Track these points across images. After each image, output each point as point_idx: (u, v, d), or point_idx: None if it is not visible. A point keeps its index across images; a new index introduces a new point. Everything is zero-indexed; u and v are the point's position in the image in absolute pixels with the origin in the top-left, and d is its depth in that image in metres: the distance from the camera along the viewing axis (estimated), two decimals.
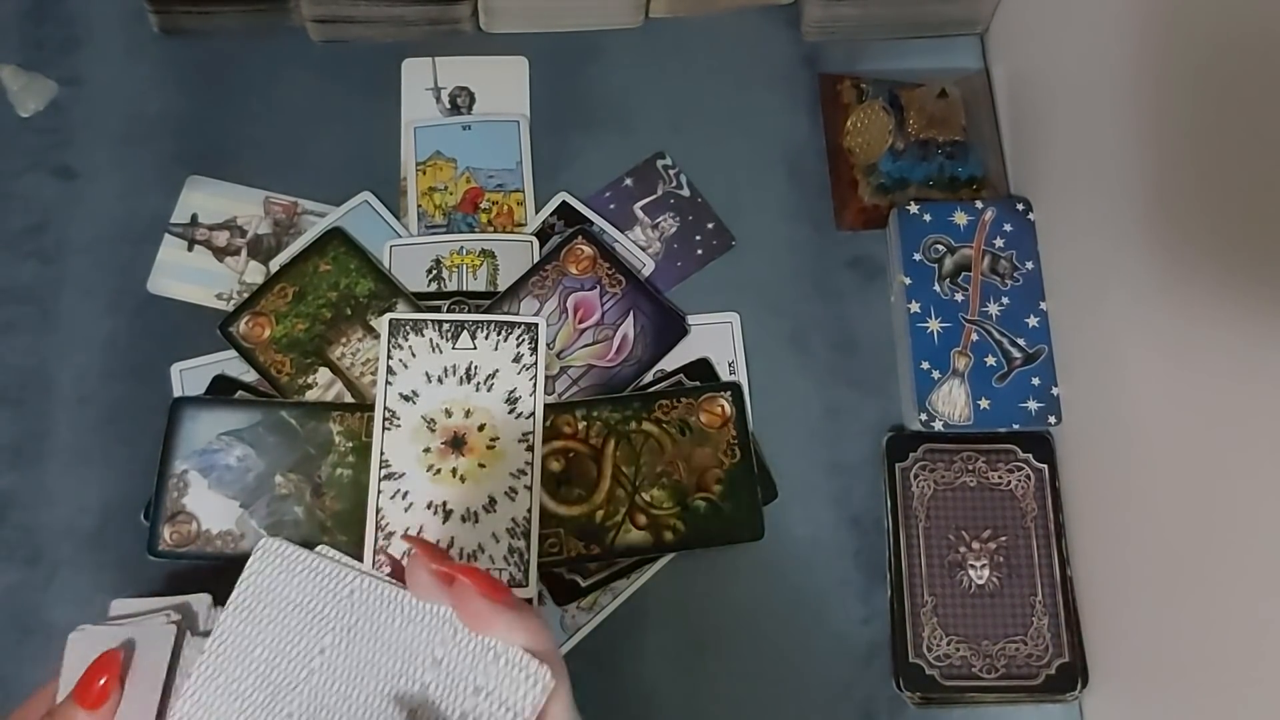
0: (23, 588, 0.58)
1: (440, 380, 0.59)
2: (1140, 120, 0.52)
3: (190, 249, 0.64)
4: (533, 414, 0.59)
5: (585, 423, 0.60)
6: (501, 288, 0.63)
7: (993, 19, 0.70)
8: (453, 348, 0.60)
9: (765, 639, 0.59)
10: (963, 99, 0.68)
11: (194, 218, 0.65)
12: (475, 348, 0.60)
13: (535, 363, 0.60)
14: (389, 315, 0.60)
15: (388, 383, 0.59)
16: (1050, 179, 0.63)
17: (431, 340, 0.60)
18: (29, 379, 0.62)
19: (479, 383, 0.59)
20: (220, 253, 0.64)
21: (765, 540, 0.58)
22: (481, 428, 0.59)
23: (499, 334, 0.60)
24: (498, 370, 0.60)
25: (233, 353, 0.61)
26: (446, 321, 0.60)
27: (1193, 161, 0.48)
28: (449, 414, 0.59)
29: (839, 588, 0.60)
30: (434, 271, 0.64)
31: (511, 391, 0.59)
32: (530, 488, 0.58)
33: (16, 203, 0.65)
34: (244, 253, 0.64)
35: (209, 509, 0.57)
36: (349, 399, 0.60)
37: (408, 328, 0.60)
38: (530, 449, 0.58)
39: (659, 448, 0.60)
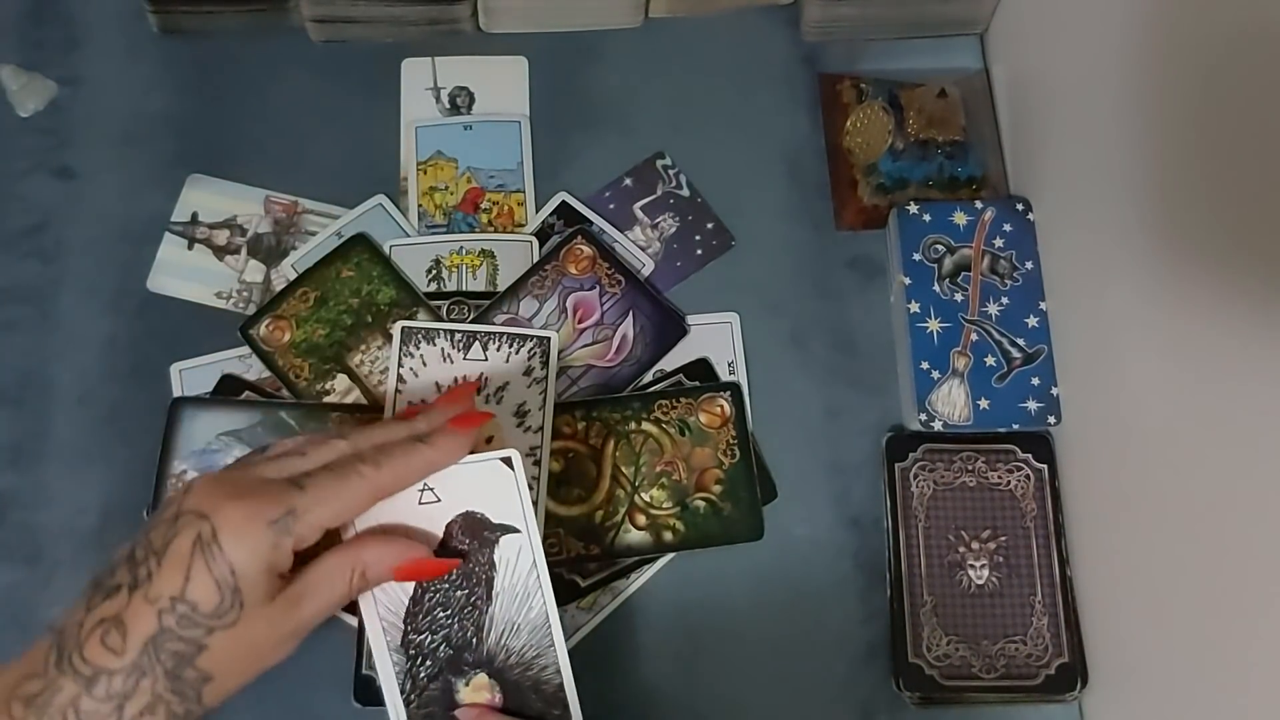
0: (23, 587, 0.58)
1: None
2: (1140, 120, 0.52)
3: (190, 247, 0.64)
4: (541, 428, 0.59)
5: (585, 423, 0.60)
6: (501, 288, 0.63)
7: (992, 19, 0.70)
8: (464, 358, 0.60)
9: (765, 639, 0.59)
10: (962, 99, 0.68)
11: (194, 216, 0.65)
12: (487, 359, 0.60)
13: (546, 376, 0.59)
14: (400, 322, 0.60)
15: (397, 390, 0.59)
16: (1050, 179, 0.63)
17: (443, 350, 0.60)
18: (29, 379, 0.62)
19: (489, 394, 0.59)
20: (220, 251, 0.65)
21: (765, 540, 0.58)
22: (489, 440, 0.58)
23: (511, 346, 0.60)
24: (508, 383, 0.59)
25: (232, 352, 0.61)
26: (459, 331, 0.60)
27: (1193, 161, 0.48)
28: None
29: (839, 588, 0.60)
30: (434, 271, 0.64)
31: (521, 405, 0.59)
32: (536, 501, 0.57)
33: (16, 203, 0.65)
34: (244, 251, 0.64)
35: None
36: None
37: (419, 336, 0.60)
38: (538, 463, 0.58)
39: (658, 448, 0.59)
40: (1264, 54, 0.42)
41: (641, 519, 0.58)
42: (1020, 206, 0.64)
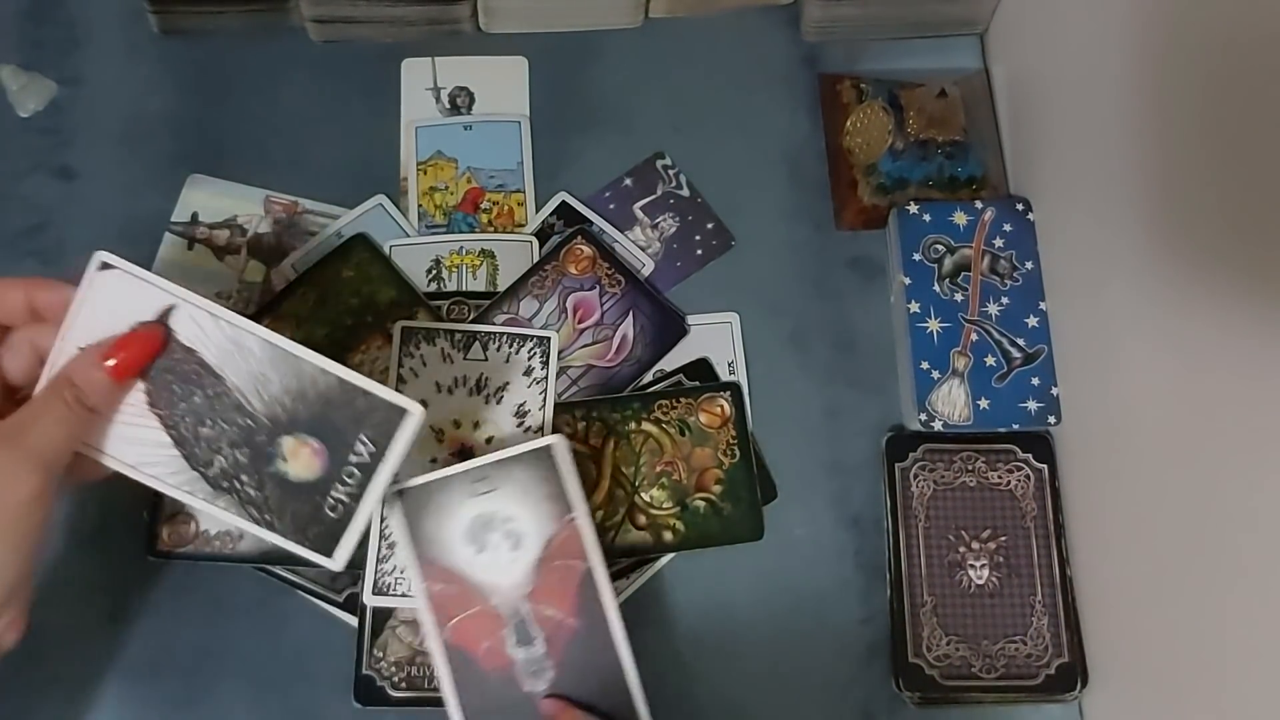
0: None
1: (450, 391, 0.59)
2: (1140, 120, 0.52)
3: (190, 247, 0.64)
4: (540, 428, 0.59)
5: (585, 423, 0.60)
6: (501, 288, 0.63)
7: (993, 19, 0.70)
8: (464, 358, 0.60)
9: (765, 639, 0.59)
10: (962, 99, 0.68)
11: (194, 216, 0.65)
12: (486, 359, 0.60)
13: (546, 376, 0.59)
14: (400, 323, 0.60)
15: (398, 390, 0.59)
16: (1050, 179, 0.63)
17: (443, 350, 0.60)
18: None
19: (489, 394, 0.59)
20: (220, 251, 0.64)
21: (765, 540, 0.58)
22: (489, 440, 0.58)
23: (510, 346, 0.60)
24: (508, 383, 0.59)
25: None
26: (459, 331, 0.60)
27: (1193, 160, 0.48)
28: (458, 425, 0.59)
29: (839, 588, 0.60)
30: (434, 271, 0.64)
31: (521, 405, 0.59)
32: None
33: (17, 203, 0.65)
34: (244, 251, 0.64)
35: None
36: None
37: (420, 336, 0.60)
38: None
39: (658, 448, 0.60)
40: (1263, 54, 0.42)
41: (641, 519, 0.58)
42: (1020, 206, 0.64)
